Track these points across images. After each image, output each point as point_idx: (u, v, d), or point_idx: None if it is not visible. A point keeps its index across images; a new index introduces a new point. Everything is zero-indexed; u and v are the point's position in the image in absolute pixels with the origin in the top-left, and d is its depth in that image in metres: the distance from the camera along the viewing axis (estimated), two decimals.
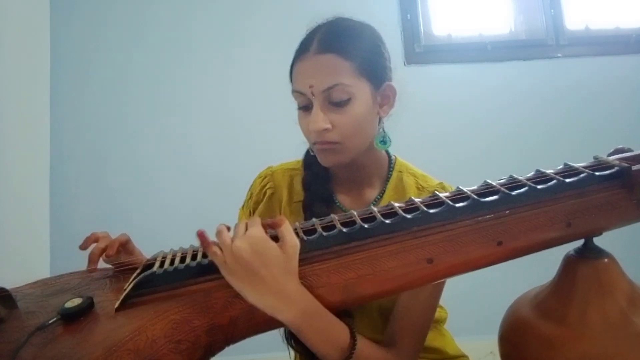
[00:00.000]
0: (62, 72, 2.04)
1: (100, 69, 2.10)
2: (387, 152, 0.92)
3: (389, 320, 0.79)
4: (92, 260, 0.74)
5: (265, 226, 0.62)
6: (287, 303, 0.58)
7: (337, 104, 0.77)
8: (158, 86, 2.11)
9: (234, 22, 2.13)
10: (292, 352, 0.96)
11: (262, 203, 0.94)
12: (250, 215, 0.95)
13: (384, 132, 0.85)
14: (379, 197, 0.89)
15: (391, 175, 0.90)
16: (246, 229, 0.60)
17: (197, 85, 2.12)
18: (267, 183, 0.94)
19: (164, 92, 2.11)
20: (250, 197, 0.97)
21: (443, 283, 0.79)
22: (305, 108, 0.80)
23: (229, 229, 0.62)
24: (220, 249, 0.59)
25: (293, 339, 0.83)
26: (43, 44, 1.93)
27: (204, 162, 2.10)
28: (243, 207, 0.99)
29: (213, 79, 2.12)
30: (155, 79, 2.11)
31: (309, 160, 0.91)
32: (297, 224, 0.65)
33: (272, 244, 0.59)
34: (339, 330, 0.63)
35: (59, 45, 2.04)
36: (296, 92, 0.81)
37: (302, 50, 0.80)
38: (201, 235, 0.60)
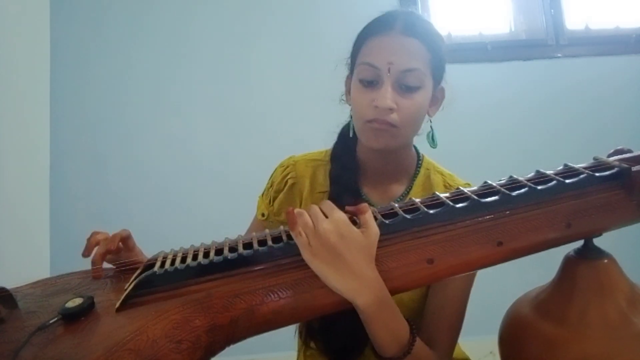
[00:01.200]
0: (62, 72, 2.04)
1: (101, 69, 2.10)
2: (416, 149, 0.92)
3: (422, 319, 0.80)
4: (95, 263, 0.72)
5: (347, 212, 0.62)
6: (367, 287, 0.58)
7: (407, 89, 0.78)
8: (158, 86, 2.11)
9: (234, 20, 2.13)
10: (295, 353, 0.97)
11: (282, 192, 0.94)
12: (270, 203, 0.95)
13: (433, 131, 0.87)
14: (405, 192, 0.89)
15: (419, 172, 0.91)
16: (323, 213, 0.61)
17: (196, 85, 2.12)
18: (289, 173, 0.94)
19: (163, 92, 2.12)
20: (270, 186, 0.97)
21: (474, 276, 0.80)
22: (369, 83, 0.80)
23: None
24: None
25: (313, 335, 0.84)
26: (43, 44, 1.93)
27: (204, 162, 2.10)
28: (263, 195, 0.99)
29: (213, 79, 2.12)
30: (155, 78, 2.11)
31: (338, 153, 0.91)
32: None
33: (356, 229, 0.60)
34: (402, 325, 0.63)
35: (59, 45, 2.03)
36: (368, 65, 0.79)
37: (384, 27, 0.80)
38: (291, 213, 0.60)
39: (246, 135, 2.11)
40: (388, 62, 0.77)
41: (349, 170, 0.88)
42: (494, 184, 0.64)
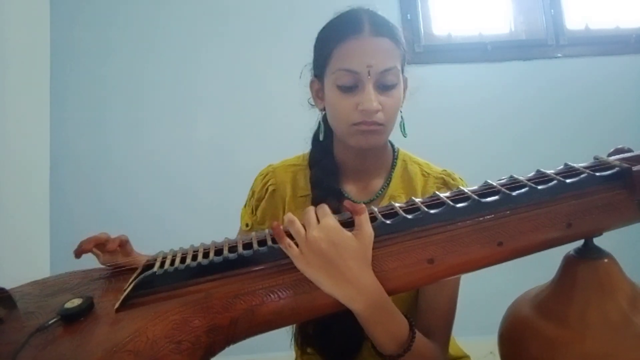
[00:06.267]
0: (62, 71, 2.04)
1: (101, 69, 2.10)
2: (390, 143, 0.93)
3: (417, 313, 0.81)
4: (82, 244, 0.73)
5: (343, 208, 0.62)
6: (362, 293, 0.58)
7: (386, 87, 0.79)
8: (158, 85, 2.11)
9: (238, 19, 2.13)
10: (294, 353, 0.96)
11: (264, 200, 0.94)
12: (253, 213, 0.95)
13: (404, 121, 0.88)
14: (385, 185, 0.89)
15: (396, 164, 0.91)
16: (317, 218, 0.61)
17: (200, 84, 2.12)
18: (269, 180, 0.95)
19: (165, 91, 2.11)
20: (252, 195, 0.97)
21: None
22: (349, 89, 0.80)
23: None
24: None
25: (309, 341, 0.84)
26: (43, 44, 1.94)
27: (206, 162, 2.10)
28: (245, 205, 0.98)
29: (216, 78, 2.12)
30: (155, 78, 2.11)
31: (317, 157, 0.91)
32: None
33: (348, 234, 0.59)
34: (401, 325, 0.64)
35: (59, 45, 2.03)
36: (346, 71, 0.79)
37: (354, 30, 0.79)
38: (276, 228, 0.60)
39: (249, 134, 2.10)
40: (367, 66, 0.77)
41: (330, 174, 0.89)
42: (495, 184, 0.64)
